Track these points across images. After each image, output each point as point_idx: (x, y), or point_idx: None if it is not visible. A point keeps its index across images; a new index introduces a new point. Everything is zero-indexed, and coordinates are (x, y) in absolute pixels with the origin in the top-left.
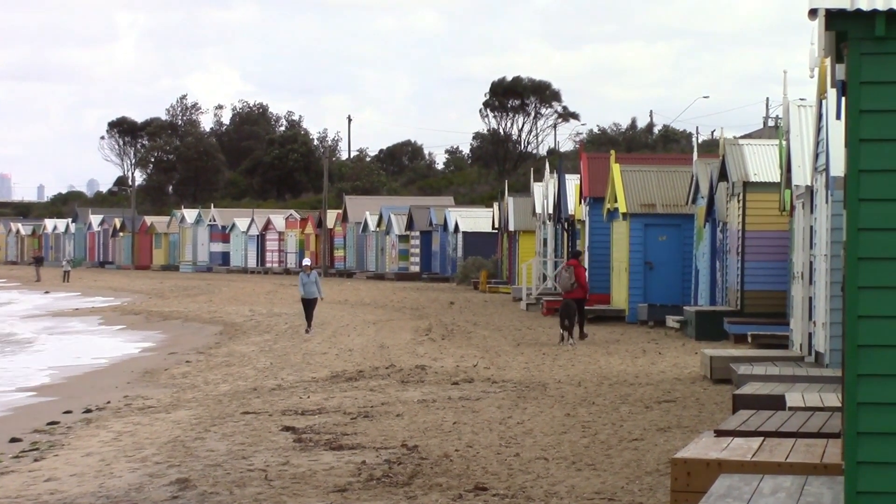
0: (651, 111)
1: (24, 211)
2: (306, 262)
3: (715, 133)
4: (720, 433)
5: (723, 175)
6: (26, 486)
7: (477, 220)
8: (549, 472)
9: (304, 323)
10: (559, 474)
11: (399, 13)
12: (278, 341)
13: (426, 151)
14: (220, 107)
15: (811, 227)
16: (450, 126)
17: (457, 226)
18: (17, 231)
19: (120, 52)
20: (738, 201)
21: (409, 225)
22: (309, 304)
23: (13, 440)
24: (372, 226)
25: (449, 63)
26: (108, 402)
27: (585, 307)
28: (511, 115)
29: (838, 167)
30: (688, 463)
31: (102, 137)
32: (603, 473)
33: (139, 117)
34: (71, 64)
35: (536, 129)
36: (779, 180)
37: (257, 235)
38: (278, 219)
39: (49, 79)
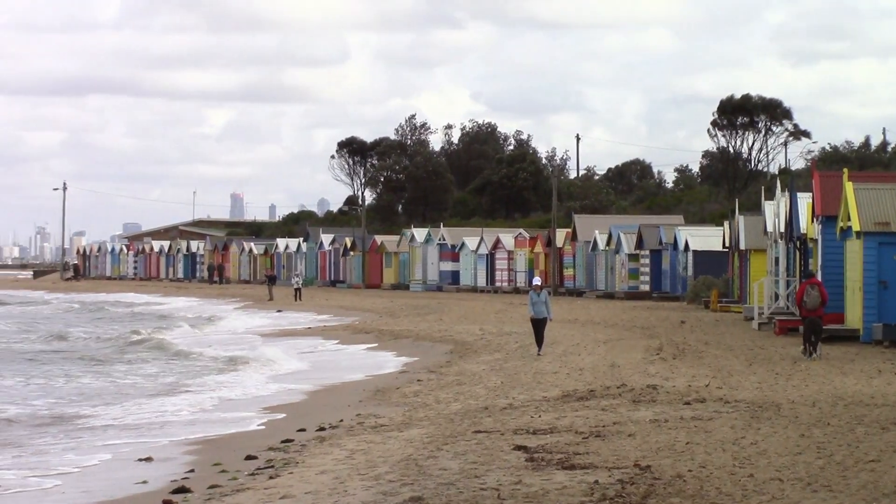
0: (884, 129)
1: (256, 230)
2: (537, 281)
3: None
4: None
5: None
6: (262, 503)
7: (707, 238)
8: (784, 494)
9: (534, 343)
10: (794, 495)
11: (628, 31)
12: (509, 360)
13: (655, 170)
14: (449, 126)
15: None
16: (678, 144)
17: (687, 244)
18: (250, 250)
19: (351, 73)
20: None
21: (639, 244)
22: (539, 324)
23: (249, 458)
24: (601, 244)
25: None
26: (341, 421)
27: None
28: (741, 133)
29: None
30: None
31: (332, 157)
32: (839, 495)
33: (369, 137)
34: (303, 84)
35: (766, 147)
36: None
37: (486, 254)
38: (507, 238)
39: (281, 99)
